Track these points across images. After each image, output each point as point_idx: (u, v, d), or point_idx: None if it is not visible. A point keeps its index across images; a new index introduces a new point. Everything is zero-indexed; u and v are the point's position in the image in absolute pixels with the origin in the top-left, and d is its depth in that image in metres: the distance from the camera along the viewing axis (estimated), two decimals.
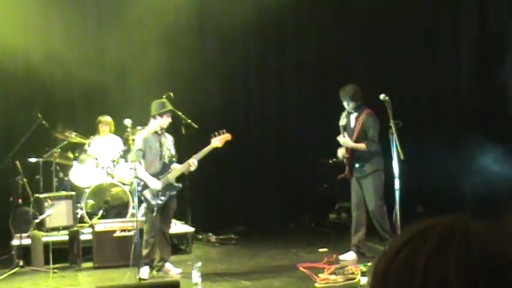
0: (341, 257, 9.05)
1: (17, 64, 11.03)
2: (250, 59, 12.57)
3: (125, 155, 10.33)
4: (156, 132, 8.65)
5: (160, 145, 8.65)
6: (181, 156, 8.87)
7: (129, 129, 8.80)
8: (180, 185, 8.78)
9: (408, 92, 11.12)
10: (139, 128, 9.60)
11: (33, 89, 11.21)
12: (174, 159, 8.75)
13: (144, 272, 8.43)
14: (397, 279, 1.02)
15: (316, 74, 12.84)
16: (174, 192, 8.69)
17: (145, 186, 8.54)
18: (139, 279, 7.91)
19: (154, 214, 8.56)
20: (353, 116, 9.03)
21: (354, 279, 7.91)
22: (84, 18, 11.65)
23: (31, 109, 10.59)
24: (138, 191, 8.39)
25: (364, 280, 7.63)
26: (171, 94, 9.63)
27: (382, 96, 8.45)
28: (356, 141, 8.89)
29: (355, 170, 9.01)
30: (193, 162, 8.58)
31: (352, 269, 8.26)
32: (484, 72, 11.20)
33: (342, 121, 9.05)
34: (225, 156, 12.13)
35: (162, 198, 8.54)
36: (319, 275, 8.16)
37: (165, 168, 8.64)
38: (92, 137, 10.55)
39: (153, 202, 8.52)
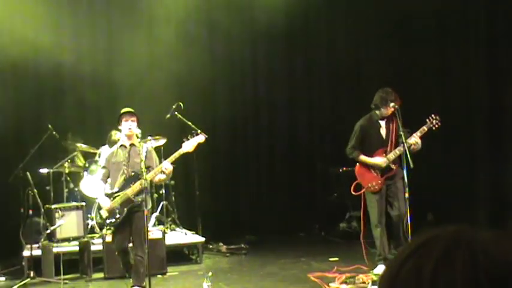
0: (375, 271, 8.59)
1: (27, 75, 11.09)
2: (259, 67, 12.58)
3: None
4: (123, 146, 8.20)
5: (126, 159, 8.11)
6: (189, 167, 8.81)
7: (139, 140, 8.78)
8: (139, 199, 7.92)
9: (419, 99, 11.08)
10: (149, 138, 9.60)
11: (44, 100, 11.27)
12: (143, 171, 7.73)
13: None
14: None
15: (326, 81, 12.84)
16: (135, 209, 7.96)
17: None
18: None
19: (112, 233, 8.24)
20: (382, 123, 8.57)
21: None
22: (95, 27, 11.68)
23: (41, 120, 10.65)
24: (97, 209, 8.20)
25: None
26: (181, 104, 9.66)
27: (391, 104, 8.40)
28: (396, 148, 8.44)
29: (389, 177, 8.50)
30: (166, 166, 7.90)
31: (362, 278, 8.24)
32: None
33: (382, 130, 8.51)
34: (234, 165, 12.19)
35: (118, 216, 8.02)
36: (330, 284, 8.15)
37: (129, 182, 8.04)
38: (101, 147, 10.57)
39: (108, 221, 8.13)
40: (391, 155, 8.41)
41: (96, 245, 9.62)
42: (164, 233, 9.64)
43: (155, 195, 10.54)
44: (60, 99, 11.35)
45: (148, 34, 11.57)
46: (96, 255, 9.44)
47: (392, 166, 8.40)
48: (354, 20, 12.56)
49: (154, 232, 9.42)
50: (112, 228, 8.17)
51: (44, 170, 10.12)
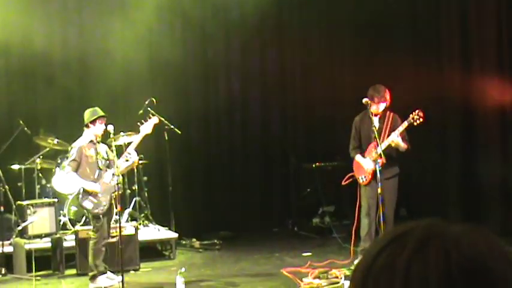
0: (356, 261, 8.65)
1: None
2: (233, 62, 12.57)
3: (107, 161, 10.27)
4: (91, 141, 8.54)
5: (96, 153, 8.55)
6: (163, 162, 8.85)
7: (112, 135, 8.75)
8: (118, 184, 8.46)
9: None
10: (122, 134, 9.57)
11: (15, 95, 11.16)
12: (108, 162, 8.60)
13: (103, 281, 8.39)
14: (377, 282, 1.03)
15: (299, 76, 12.86)
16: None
17: (85, 197, 8.40)
18: (124, 285, 7.86)
19: (101, 221, 8.44)
20: (375, 119, 8.53)
21: (338, 283, 7.94)
22: (68, 18, 11.57)
23: (13, 116, 10.56)
24: (80, 203, 8.40)
25: (347, 284, 7.64)
26: (154, 100, 9.63)
27: (364, 101, 8.43)
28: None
29: (377, 173, 8.35)
30: (129, 152, 8.56)
31: (335, 273, 8.28)
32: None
33: (372, 126, 8.36)
34: (208, 160, 12.17)
35: (104, 203, 8.40)
36: (303, 279, 8.18)
37: (101, 173, 8.51)
38: (74, 143, 10.48)
39: (96, 210, 8.38)
40: (378, 149, 8.34)
41: (69, 242, 9.56)
42: (137, 228, 9.61)
43: (128, 191, 10.50)
44: (31, 94, 11.25)
45: (121, 28, 11.47)
46: (68, 252, 9.39)
47: (379, 160, 8.35)
48: (327, 14, 12.58)
49: (127, 228, 9.38)
50: (100, 217, 8.40)
51: (15, 166, 10.03)
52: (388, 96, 8.53)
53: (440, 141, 11.60)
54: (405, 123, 8.35)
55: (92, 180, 8.41)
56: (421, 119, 8.29)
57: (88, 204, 8.39)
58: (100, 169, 8.51)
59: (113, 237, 8.96)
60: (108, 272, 8.51)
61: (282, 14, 12.62)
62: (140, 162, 9.99)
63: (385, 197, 8.26)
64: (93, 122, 8.47)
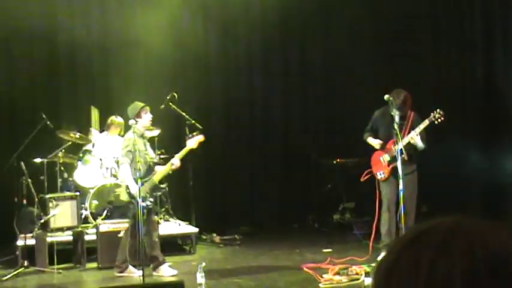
0: (379, 258, 8.60)
1: (22, 65, 11.05)
2: (254, 58, 12.57)
3: None
4: (142, 135, 8.70)
5: (145, 147, 8.71)
6: (184, 157, 8.84)
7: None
8: (165, 186, 8.76)
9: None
10: None
11: (38, 89, 11.24)
12: (153, 160, 8.82)
13: (168, 270, 8.65)
14: (402, 278, 1.03)
15: (320, 73, 12.83)
16: (159, 193, 8.70)
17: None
18: (144, 279, 7.90)
19: (145, 217, 8.50)
20: (397, 117, 8.56)
21: (358, 279, 7.92)
22: (90, 9, 11.63)
23: (35, 109, 10.63)
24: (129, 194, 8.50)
25: (368, 281, 7.62)
26: (175, 94, 9.65)
27: (386, 97, 8.43)
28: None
29: (396, 169, 8.42)
30: (174, 163, 8.61)
31: (356, 269, 8.27)
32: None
33: (394, 124, 8.46)
34: (228, 156, 12.18)
35: (151, 199, 8.57)
36: (323, 275, 8.17)
37: (149, 170, 8.63)
38: (91, 129, 10.55)
39: (143, 204, 8.39)
40: (397, 147, 8.38)
41: (90, 235, 9.62)
42: (158, 223, 9.63)
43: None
44: (54, 87, 11.33)
45: (143, 26, 11.50)
46: (89, 245, 9.45)
47: (398, 157, 8.37)
48: (349, 8, 12.52)
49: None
50: (144, 212, 8.42)
51: (38, 160, 10.10)
52: (408, 101, 8.56)
53: (462, 137, 11.52)
54: (426, 122, 8.35)
55: (140, 175, 8.37)
56: (442, 118, 8.27)
57: (125, 196, 8.56)
58: (149, 165, 8.68)
59: None
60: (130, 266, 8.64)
61: (304, 9, 12.56)
62: (161, 156, 10.03)
63: (407, 193, 8.26)
64: (138, 115, 8.57)
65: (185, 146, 8.68)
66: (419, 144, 8.45)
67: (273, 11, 12.15)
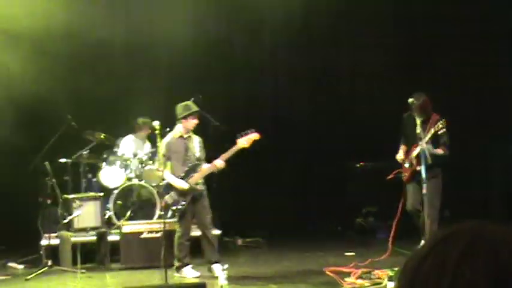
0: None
1: (46, 65, 11.12)
2: (278, 61, 12.57)
3: (153, 156, 10.37)
4: (181, 136, 8.67)
5: (186, 149, 8.66)
6: (210, 157, 8.89)
7: (157, 131, 8.81)
8: (203, 187, 8.70)
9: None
10: (167, 130, 9.64)
11: (63, 89, 11.30)
12: (200, 162, 8.70)
13: (190, 272, 8.69)
14: (425, 282, 1.02)
15: (345, 76, 12.80)
16: (198, 194, 8.63)
17: (166, 192, 8.58)
18: (167, 280, 7.92)
19: (178, 220, 8.66)
20: (419, 121, 8.69)
21: (381, 283, 7.89)
22: (111, 18, 11.69)
23: (61, 110, 10.70)
24: (160, 195, 8.56)
25: (390, 285, 7.59)
26: (200, 96, 9.67)
27: (410, 100, 8.46)
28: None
29: (417, 172, 8.63)
30: (217, 164, 8.56)
31: (378, 273, 8.23)
32: None
33: (416, 127, 8.64)
34: (251, 158, 12.16)
35: (183, 202, 8.55)
36: (346, 279, 8.14)
37: (189, 172, 8.62)
38: (120, 138, 10.61)
39: (174, 207, 8.57)
40: (414, 152, 8.59)
41: (113, 235, 9.67)
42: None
43: None
44: (79, 90, 11.40)
45: (166, 26, 11.54)
46: (113, 246, 9.50)
47: (414, 161, 8.56)
48: (374, 18, 12.47)
49: (171, 224, 9.44)
50: (177, 214, 8.61)
51: (62, 160, 10.17)
52: (427, 106, 8.69)
53: (485, 143, 11.45)
54: (432, 131, 8.46)
55: (179, 177, 8.58)
56: (444, 129, 8.43)
57: (168, 199, 8.58)
58: (189, 167, 8.63)
59: (157, 232, 9.08)
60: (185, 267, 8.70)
61: (329, 12, 12.52)
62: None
63: (425, 198, 8.30)
64: (185, 117, 8.59)
65: (235, 145, 8.59)
66: (432, 150, 8.50)
67: (297, 13, 12.13)
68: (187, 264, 8.76)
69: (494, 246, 1.00)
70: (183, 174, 8.58)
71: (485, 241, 1.02)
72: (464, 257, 1.00)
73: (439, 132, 8.45)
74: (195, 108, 8.66)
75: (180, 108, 8.68)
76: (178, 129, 8.68)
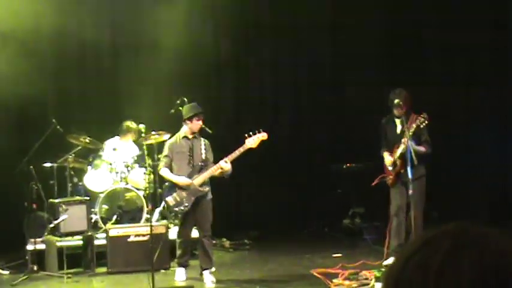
0: (384, 263, 8.64)
1: (32, 66, 11.07)
2: (263, 62, 12.57)
3: (138, 160, 10.34)
4: (185, 137, 8.60)
5: (190, 150, 8.56)
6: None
7: (143, 134, 8.79)
8: (207, 189, 8.56)
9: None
10: (153, 133, 9.61)
11: (47, 94, 11.25)
12: (205, 164, 8.55)
13: (179, 273, 8.68)
14: (410, 284, 1.02)
15: (330, 77, 12.81)
16: (202, 197, 8.53)
17: (169, 193, 8.53)
18: (154, 285, 7.89)
19: (180, 222, 8.66)
20: (398, 121, 8.72)
21: (368, 284, 7.90)
22: (98, 20, 11.64)
23: (45, 114, 10.65)
24: (163, 197, 8.51)
25: (378, 286, 7.60)
26: (185, 99, 9.64)
27: (396, 101, 8.47)
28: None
29: (403, 174, 8.53)
30: (222, 166, 8.40)
31: (366, 274, 8.24)
32: None
33: (397, 128, 8.71)
34: (237, 161, 12.14)
35: (186, 204, 8.46)
36: (333, 280, 8.15)
37: (193, 173, 8.52)
38: (106, 141, 10.57)
39: (176, 209, 8.51)
40: (397, 152, 8.53)
41: (100, 240, 9.63)
42: (168, 228, 9.64)
43: (159, 190, 10.54)
44: (64, 94, 11.35)
45: (153, 28, 11.51)
46: (99, 250, 9.46)
47: (397, 162, 8.51)
48: (360, 17, 12.50)
49: (157, 227, 9.41)
50: (179, 216, 8.62)
51: (48, 164, 10.12)
52: (408, 100, 8.58)
53: (473, 144, 11.49)
54: (413, 126, 8.36)
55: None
56: (426, 121, 8.32)
57: (170, 200, 8.52)
58: (194, 168, 8.54)
59: (144, 236, 9.06)
60: (204, 272, 8.60)
61: (313, 12, 12.54)
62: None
63: (411, 198, 8.26)
64: (190, 118, 8.52)
65: (243, 145, 8.48)
66: (415, 148, 8.36)
67: (283, 14, 12.14)
68: (183, 266, 8.75)
69: (478, 248, 1.00)
70: (187, 176, 8.52)
71: (470, 245, 1.01)
72: (448, 259, 0.99)
73: (421, 126, 8.33)
74: (199, 109, 8.60)
75: (185, 109, 8.67)
76: (183, 130, 8.63)
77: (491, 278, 0.97)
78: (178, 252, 8.80)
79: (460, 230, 1.05)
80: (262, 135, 8.58)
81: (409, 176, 8.07)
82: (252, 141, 8.49)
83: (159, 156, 9.26)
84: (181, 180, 8.46)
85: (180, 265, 8.76)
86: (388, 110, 8.81)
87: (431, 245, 1.03)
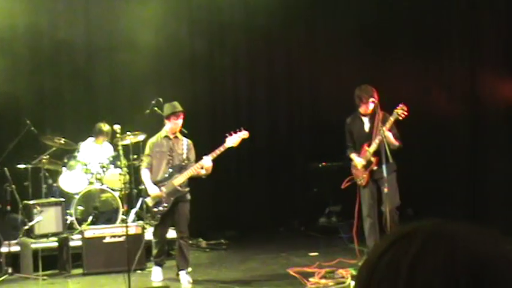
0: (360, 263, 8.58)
1: (5, 68, 10.97)
2: (239, 62, 12.55)
3: (114, 160, 10.29)
4: (166, 137, 8.53)
5: (170, 150, 8.48)
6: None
7: (118, 135, 8.74)
8: (186, 189, 8.47)
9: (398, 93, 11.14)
10: (128, 133, 9.57)
11: (21, 95, 11.15)
12: (187, 163, 8.47)
13: (156, 273, 8.64)
14: (381, 281, 1.02)
15: (306, 76, 12.83)
16: (181, 198, 8.45)
17: (148, 194, 8.50)
18: (130, 285, 7.85)
19: (157, 222, 8.57)
20: (365, 119, 8.67)
21: (344, 283, 7.92)
22: (73, 19, 11.57)
23: (19, 115, 10.56)
24: (141, 197, 8.45)
25: (354, 284, 7.61)
26: (160, 99, 9.61)
27: (370, 100, 8.44)
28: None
29: (376, 171, 8.50)
30: (203, 163, 8.30)
31: (342, 272, 8.27)
32: None
33: (365, 126, 8.64)
34: (214, 160, 12.12)
35: (165, 204, 8.40)
36: (310, 279, 8.16)
37: (174, 173, 8.44)
38: (80, 143, 10.49)
39: (155, 209, 8.46)
40: (371, 149, 8.46)
41: (75, 241, 9.56)
42: (144, 228, 9.60)
43: (134, 190, 10.49)
44: (38, 94, 11.26)
45: (127, 29, 11.46)
46: (75, 251, 9.40)
47: (372, 159, 8.45)
48: (334, 14, 12.53)
49: (133, 228, 9.37)
50: (157, 216, 8.51)
51: (22, 166, 10.03)
52: (376, 96, 8.50)
53: (448, 140, 11.56)
54: (391, 119, 8.29)
55: (162, 178, 8.42)
56: (406, 113, 8.22)
57: (149, 200, 8.47)
58: (174, 167, 8.46)
59: (120, 236, 9.01)
60: (180, 273, 8.55)
61: (288, 14, 12.57)
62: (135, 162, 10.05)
63: (386, 195, 8.24)
64: (167, 117, 8.47)
65: (224, 144, 8.38)
66: (392, 140, 8.32)
67: (258, 14, 12.15)
68: (160, 265, 8.73)
69: (451, 245, 1.00)
70: (166, 175, 8.45)
71: (442, 240, 1.01)
72: (420, 256, 0.99)
73: (399, 118, 8.22)
74: (179, 108, 8.49)
75: (165, 107, 8.59)
76: (165, 129, 8.56)
77: (463, 275, 0.97)
78: (154, 251, 8.78)
79: (433, 226, 1.05)
80: (244, 134, 8.50)
81: (384, 173, 8.07)
82: (233, 140, 8.41)
83: (135, 156, 9.24)
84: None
85: (157, 264, 8.75)
86: (346, 106, 8.71)
87: (402, 242, 1.03)
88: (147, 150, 8.56)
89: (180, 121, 8.48)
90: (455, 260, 0.98)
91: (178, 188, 8.40)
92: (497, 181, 10.62)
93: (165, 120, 8.54)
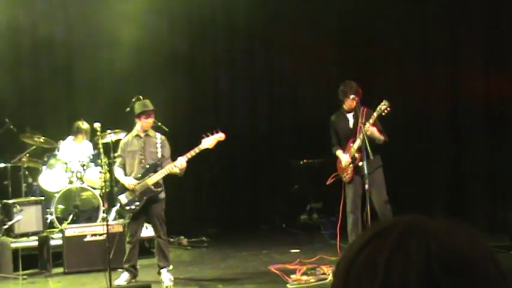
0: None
1: None
2: (220, 58, 12.55)
3: (94, 159, 10.25)
4: (137, 135, 8.45)
5: (142, 149, 8.39)
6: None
7: (98, 133, 8.69)
8: (159, 189, 8.38)
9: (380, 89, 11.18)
10: (108, 131, 9.53)
11: (0, 93, 11.07)
12: (161, 161, 8.39)
13: (122, 278, 8.41)
14: (359, 279, 1.02)
15: (286, 74, 12.85)
16: (154, 197, 8.37)
17: (122, 191, 8.43)
18: (111, 284, 7.82)
19: (129, 220, 8.51)
20: (349, 115, 8.63)
21: (326, 279, 7.94)
22: (53, 16, 11.50)
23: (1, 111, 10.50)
24: (115, 195, 8.38)
25: None
26: (141, 97, 9.58)
27: (351, 97, 8.44)
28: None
29: (360, 168, 8.41)
30: (176, 165, 8.24)
31: (323, 269, 8.29)
32: None
33: (350, 123, 8.60)
34: (195, 157, 12.11)
35: (137, 203, 8.31)
36: (291, 276, 8.18)
37: (148, 172, 8.33)
38: (60, 141, 10.44)
39: (127, 208, 8.40)
40: (355, 145, 8.43)
41: (56, 240, 9.52)
42: (124, 226, 9.56)
43: (115, 188, 10.45)
44: (17, 91, 11.19)
45: (108, 25, 11.41)
46: (55, 250, 9.35)
47: (356, 155, 8.42)
48: (316, 13, 12.56)
49: (114, 226, 9.34)
50: (130, 215, 8.46)
51: (1, 165, 9.97)
52: (360, 92, 8.49)
53: (428, 136, 11.61)
54: (374, 115, 8.29)
55: (135, 177, 8.32)
56: (389, 108, 8.23)
57: (123, 198, 8.36)
58: (146, 166, 8.35)
59: (101, 235, 8.97)
60: (161, 270, 8.44)
61: (270, 12, 12.58)
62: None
63: (373, 191, 8.25)
64: (138, 116, 8.38)
65: (199, 145, 8.32)
66: (377, 135, 8.32)
67: (238, 12, 12.15)
68: (127, 271, 8.46)
69: (426, 240, 1.00)
70: (140, 175, 8.35)
71: (418, 234, 1.02)
72: (396, 253, 1.00)
73: (383, 114, 8.22)
74: (150, 107, 8.42)
75: (136, 106, 8.51)
76: (136, 128, 8.49)
77: (438, 266, 0.98)
78: (124, 256, 8.48)
79: (408, 221, 1.05)
80: (219, 136, 8.47)
81: (365, 170, 8.07)
82: (209, 142, 8.37)
83: (115, 154, 9.19)
84: (127, 181, 8.32)
85: (125, 269, 8.49)
86: (328, 103, 8.70)
87: (379, 238, 1.04)
88: (119, 151, 8.49)
89: (150, 120, 8.39)
90: (430, 254, 0.98)
91: (152, 187, 8.30)
92: (476, 175, 10.68)
93: (135, 119, 8.46)
